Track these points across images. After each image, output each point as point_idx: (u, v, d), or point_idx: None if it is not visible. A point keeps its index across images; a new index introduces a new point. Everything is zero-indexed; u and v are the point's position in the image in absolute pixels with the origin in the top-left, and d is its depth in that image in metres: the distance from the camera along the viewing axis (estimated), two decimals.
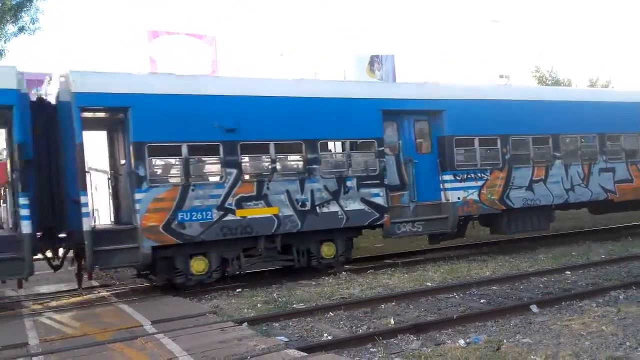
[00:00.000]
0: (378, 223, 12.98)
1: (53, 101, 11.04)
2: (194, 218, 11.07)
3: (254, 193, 11.66)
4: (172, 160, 11.34)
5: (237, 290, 11.74)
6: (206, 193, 11.24)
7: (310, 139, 12.18)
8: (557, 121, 15.20)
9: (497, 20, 40.49)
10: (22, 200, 9.75)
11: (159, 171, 11.22)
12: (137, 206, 10.66)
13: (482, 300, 9.46)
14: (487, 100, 14.68)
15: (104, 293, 11.88)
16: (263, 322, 8.58)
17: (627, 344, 6.39)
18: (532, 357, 6.14)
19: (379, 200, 12.86)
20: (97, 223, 11.52)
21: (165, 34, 21.49)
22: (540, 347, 6.48)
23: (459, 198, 13.81)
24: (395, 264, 13.62)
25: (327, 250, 12.68)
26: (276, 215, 11.80)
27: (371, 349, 6.93)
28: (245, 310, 9.74)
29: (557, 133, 15.26)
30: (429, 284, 11.12)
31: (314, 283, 12.05)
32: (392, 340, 7.25)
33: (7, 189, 10.99)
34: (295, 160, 12.50)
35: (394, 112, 13.28)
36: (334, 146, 13.21)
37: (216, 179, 11.52)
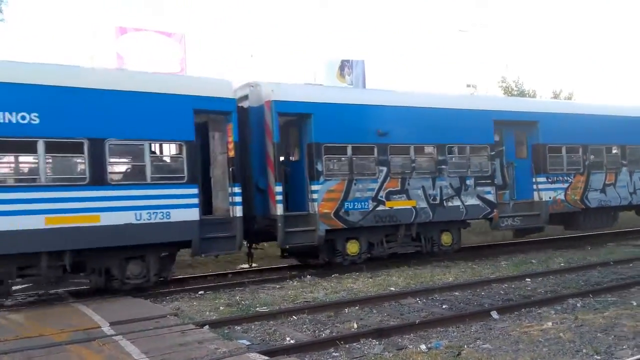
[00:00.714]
0: (489, 217, 15.35)
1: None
2: (355, 207, 13.29)
3: (399, 188, 13.91)
4: (341, 158, 13.40)
5: (200, 292, 11.60)
6: (364, 187, 13.45)
7: (440, 143, 14.53)
8: (624, 133, 17.72)
9: (465, 30, 41.15)
10: (236, 189, 11.95)
11: (332, 167, 13.28)
12: (315, 196, 12.86)
13: (444, 306, 9.55)
14: (572, 114, 17.21)
15: (60, 292, 11.57)
16: (225, 325, 8.48)
17: (584, 351, 6.53)
18: None
19: (491, 197, 15.22)
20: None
21: (133, 30, 21.08)
22: (499, 353, 6.56)
23: (549, 197, 16.20)
24: (360, 268, 13.66)
25: (446, 238, 14.95)
26: (414, 207, 14.09)
27: (333, 354, 6.91)
28: (207, 312, 9.62)
29: (624, 144, 17.83)
30: (393, 288, 11.18)
31: (277, 286, 11.99)
32: (354, 344, 7.25)
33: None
34: (428, 161, 14.64)
35: (501, 122, 15.56)
36: (456, 150, 15.11)
37: (371, 175, 13.61)
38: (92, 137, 10.29)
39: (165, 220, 10.93)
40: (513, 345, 6.89)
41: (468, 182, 14.82)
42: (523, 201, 16.15)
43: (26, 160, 10.37)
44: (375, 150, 13.55)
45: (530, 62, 40.48)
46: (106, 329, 7.86)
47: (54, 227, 9.85)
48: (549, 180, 16.21)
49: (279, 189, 12.38)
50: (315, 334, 7.96)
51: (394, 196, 13.76)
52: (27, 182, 10.00)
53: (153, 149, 11.51)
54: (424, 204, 14.15)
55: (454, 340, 7.23)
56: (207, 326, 8.12)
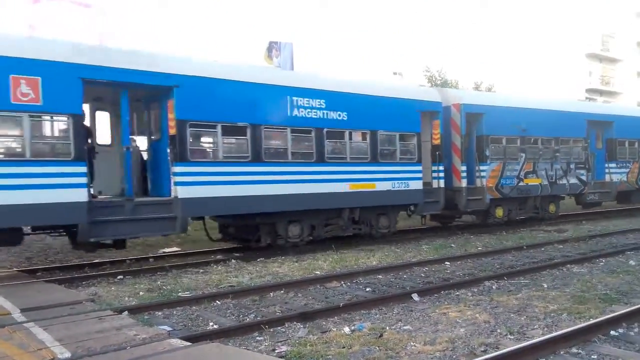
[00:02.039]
0: (582, 192, 20.71)
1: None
2: (507, 183, 18.28)
3: (531, 169, 19.00)
4: (499, 146, 18.19)
5: (118, 277, 11.19)
6: (512, 167, 18.42)
7: (557, 137, 19.80)
8: None
9: (391, 17, 41.73)
10: (440, 168, 16.57)
11: (493, 153, 17.99)
12: (483, 174, 17.56)
13: (367, 289, 9.70)
14: (631, 117, 22.98)
15: None
16: (145, 311, 8.22)
17: (498, 331, 6.82)
18: (412, 343, 6.37)
19: (584, 178, 20.67)
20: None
21: None
22: (419, 334, 6.74)
23: (617, 179, 21.72)
24: (286, 253, 13.65)
25: (552, 207, 20.30)
26: (540, 184, 19.22)
27: (258, 338, 6.85)
28: (126, 298, 9.29)
29: None
30: (318, 272, 11.25)
31: (201, 271, 11.77)
32: (279, 328, 7.22)
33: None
34: (550, 150, 19.60)
35: (590, 121, 20.80)
36: (566, 142, 20.34)
37: (516, 159, 18.54)
38: (402, 131, 15.78)
39: (403, 188, 15.67)
40: (432, 327, 7.10)
41: (571, 166, 20.24)
42: (599, 181, 21.53)
43: (339, 144, 14.65)
44: (519, 141, 18.63)
45: (453, 52, 41.60)
46: (17, 315, 7.41)
47: (354, 191, 14.64)
48: (617, 165, 21.78)
49: (463, 168, 17.08)
50: (240, 319, 7.86)
51: (529, 175, 18.91)
52: (338, 159, 14.48)
53: (400, 139, 15.77)
54: (545, 182, 19.36)
55: (377, 322, 7.36)
56: (126, 312, 7.84)
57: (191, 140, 12.02)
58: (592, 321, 6.74)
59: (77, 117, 10.80)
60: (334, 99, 14.24)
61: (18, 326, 6.80)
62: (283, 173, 13.33)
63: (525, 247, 14.03)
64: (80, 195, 10.64)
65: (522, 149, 18.68)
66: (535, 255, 12.96)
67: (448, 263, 12.10)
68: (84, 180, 10.74)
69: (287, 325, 7.31)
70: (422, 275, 10.89)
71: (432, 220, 19.23)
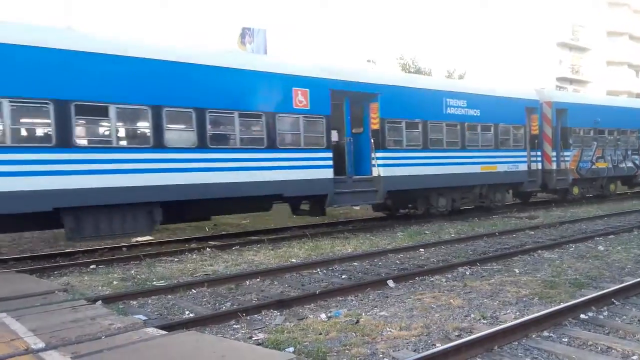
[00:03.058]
0: (635, 174, 25.47)
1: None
2: (583, 166, 22.76)
3: (601, 155, 23.53)
4: (578, 136, 22.48)
5: (91, 266, 11.06)
6: (587, 153, 22.74)
7: (620, 128, 24.44)
8: None
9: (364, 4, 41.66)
10: (539, 153, 20.85)
11: (574, 141, 22.30)
12: (567, 158, 21.79)
13: (343, 276, 9.77)
14: None
15: None
16: (119, 300, 8.14)
17: (472, 315, 6.94)
18: (388, 329, 6.44)
19: (637, 162, 25.49)
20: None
21: None
22: (395, 320, 6.81)
23: None
24: (261, 241, 13.64)
25: (612, 187, 25.08)
26: (607, 167, 23.86)
27: (234, 326, 6.85)
28: (100, 287, 9.19)
29: None
30: (294, 260, 11.27)
31: (176, 260, 11.70)
32: (255, 316, 7.22)
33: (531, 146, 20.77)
34: (613, 138, 24.14)
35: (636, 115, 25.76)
36: (625, 132, 24.92)
37: (590, 146, 22.95)
38: (514, 124, 19.99)
39: (514, 169, 19.79)
40: (408, 312, 7.18)
41: (628, 152, 24.95)
42: None
43: (474, 134, 18.54)
44: (592, 132, 23.15)
45: (425, 40, 41.78)
46: None
47: (483, 171, 18.69)
48: None
49: (553, 153, 21.12)
50: (216, 307, 7.85)
51: (599, 160, 23.40)
52: (473, 147, 18.43)
53: (513, 129, 19.77)
54: (610, 165, 23.90)
55: (353, 309, 7.42)
56: (100, 302, 7.74)
57: (387, 133, 15.94)
58: (562, 305, 6.89)
59: (328, 118, 14.72)
60: (472, 99, 18.38)
61: None
62: (443, 157, 17.49)
63: (497, 234, 14.27)
64: (329, 173, 14.66)
65: (595, 138, 23.30)
66: (507, 242, 13.19)
67: (422, 250, 12.23)
68: (331, 162, 14.69)
69: (263, 313, 7.32)
70: (397, 262, 10.99)
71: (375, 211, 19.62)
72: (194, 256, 12.01)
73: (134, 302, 8.17)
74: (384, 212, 19.14)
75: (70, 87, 10.78)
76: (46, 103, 10.56)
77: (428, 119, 16.97)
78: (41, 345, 5.44)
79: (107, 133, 11.43)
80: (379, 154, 15.66)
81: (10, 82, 10.23)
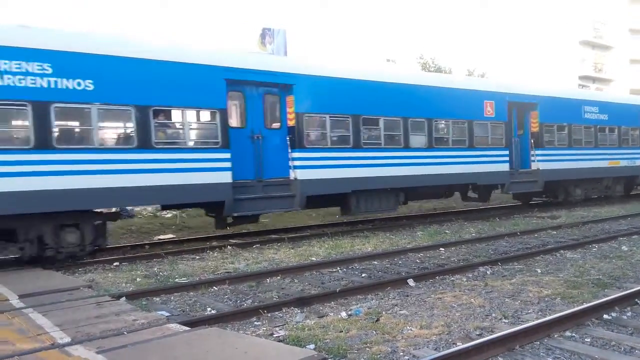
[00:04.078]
0: None
1: None
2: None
3: None
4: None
5: (115, 264, 11.23)
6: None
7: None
8: None
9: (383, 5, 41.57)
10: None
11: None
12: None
13: (363, 275, 9.78)
14: None
15: None
16: (143, 297, 8.27)
17: (493, 315, 6.91)
18: (408, 327, 6.44)
19: None
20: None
21: None
22: (415, 318, 6.82)
23: None
24: (282, 239, 13.71)
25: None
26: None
27: (255, 322, 6.91)
28: (124, 284, 9.33)
29: None
30: (314, 258, 11.31)
31: (197, 257, 11.82)
32: (276, 313, 7.28)
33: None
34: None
35: None
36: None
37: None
38: (632, 126, 23.16)
39: (631, 165, 22.83)
40: (428, 311, 7.18)
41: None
42: None
43: (605, 135, 21.82)
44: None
45: (445, 39, 41.61)
46: (15, 301, 7.42)
47: (610, 166, 21.96)
48: None
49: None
50: (237, 304, 7.92)
51: None
52: (603, 145, 21.70)
53: (631, 130, 23.04)
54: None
55: (373, 307, 7.43)
56: (124, 298, 7.87)
57: (544, 134, 19.59)
58: (585, 305, 6.83)
59: (506, 123, 18.37)
60: (602, 106, 21.62)
61: (17, 312, 6.82)
62: (582, 154, 20.74)
63: (519, 233, 14.14)
64: (506, 167, 18.23)
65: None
66: (528, 241, 13.07)
67: (443, 249, 12.18)
68: (507, 158, 18.34)
69: (284, 311, 7.38)
70: (418, 261, 10.97)
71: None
72: (215, 254, 12.12)
73: (157, 299, 8.29)
74: (520, 199, 22.35)
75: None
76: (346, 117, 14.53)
77: (571, 123, 20.55)
78: (67, 340, 5.55)
79: (377, 138, 15.22)
80: (538, 152, 19.25)
81: None
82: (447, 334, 6.18)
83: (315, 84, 13.92)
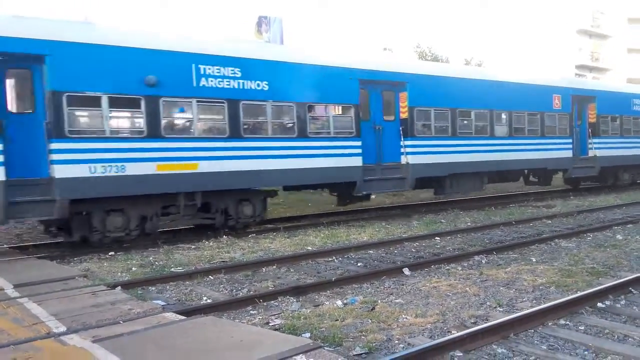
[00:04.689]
0: None
1: None
2: None
3: None
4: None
5: (110, 253, 11.21)
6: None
7: None
8: None
9: None
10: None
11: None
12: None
13: (359, 264, 9.80)
14: None
15: None
16: (138, 286, 8.27)
17: (488, 303, 6.94)
18: (403, 316, 6.47)
19: None
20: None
21: None
22: (411, 307, 6.84)
23: None
24: (277, 229, 13.71)
25: None
26: None
27: (251, 311, 6.93)
28: (119, 274, 9.33)
29: None
30: (310, 248, 11.33)
31: (193, 247, 11.82)
32: (272, 302, 7.29)
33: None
34: None
35: None
36: None
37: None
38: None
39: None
40: (423, 300, 7.20)
41: None
42: None
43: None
44: None
45: (442, 28, 41.47)
46: (10, 291, 7.42)
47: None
48: None
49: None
50: (233, 293, 7.93)
51: None
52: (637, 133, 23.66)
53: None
54: None
55: (369, 296, 7.45)
56: (119, 287, 7.87)
57: (601, 125, 22.02)
58: (579, 294, 6.86)
59: (570, 114, 20.63)
60: None
61: (12, 301, 6.81)
62: (630, 142, 22.84)
63: (514, 223, 14.19)
64: (570, 154, 20.75)
65: None
66: (523, 230, 13.11)
67: (438, 238, 12.21)
68: (571, 146, 20.80)
69: (280, 300, 7.40)
70: (413, 250, 11.00)
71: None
72: (211, 243, 12.12)
73: (153, 288, 8.29)
74: (571, 184, 24.25)
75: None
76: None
77: (622, 114, 22.70)
78: (62, 329, 5.55)
79: (469, 128, 17.39)
80: (595, 140, 21.58)
81: None
82: (442, 322, 6.20)
83: (423, 82, 16.24)
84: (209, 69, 12.30)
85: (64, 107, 10.70)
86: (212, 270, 9.22)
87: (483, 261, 9.68)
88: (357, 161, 14.72)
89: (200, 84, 12.18)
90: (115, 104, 11.27)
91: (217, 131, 12.61)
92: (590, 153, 21.48)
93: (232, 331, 5.30)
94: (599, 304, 6.66)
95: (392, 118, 15.79)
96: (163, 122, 11.77)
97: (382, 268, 9.14)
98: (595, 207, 17.20)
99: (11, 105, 10.76)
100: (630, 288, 7.25)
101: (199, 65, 12.16)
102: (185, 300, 7.62)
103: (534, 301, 6.97)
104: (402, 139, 15.67)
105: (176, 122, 12.28)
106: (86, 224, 11.40)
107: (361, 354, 5.29)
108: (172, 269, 9.58)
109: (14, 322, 5.89)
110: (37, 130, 10.66)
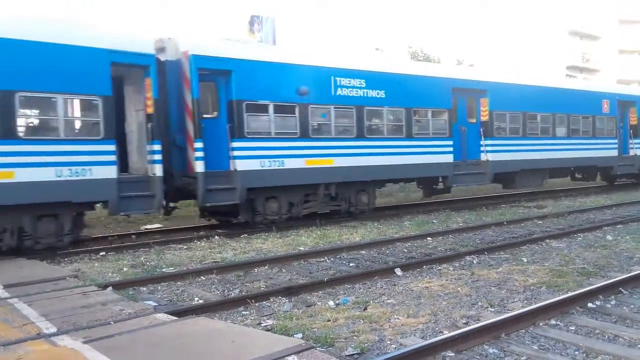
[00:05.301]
0: None
1: None
2: None
3: None
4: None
5: (101, 253, 11.17)
6: None
7: None
8: None
9: None
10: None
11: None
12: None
13: (351, 264, 9.81)
14: None
15: None
16: (130, 287, 8.23)
17: (479, 303, 6.96)
18: (395, 316, 6.48)
19: None
20: None
21: None
22: (402, 307, 6.85)
23: None
24: (270, 229, 13.70)
25: None
26: None
27: (243, 312, 6.92)
28: (110, 274, 9.28)
29: None
30: (302, 248, 11.32)
31: (185, 247, 11.78)
32: (264, 302, 7.28)
33: None
34: None
35: None
36: None
37: None
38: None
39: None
40: (415, 300, 7.22)
41: None
42: None
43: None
44: None
45: (434, 29, 41.50)
46: (0, 291, 7.38)
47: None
48: None
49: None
50: (225, 294, 7.91)
51: None
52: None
53: None
54: None
55: (361, 297, 7.46)
56: (110, 288, 7.84)
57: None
58: (570, 294, 6.90)
59: (615, 117, 23.24)
60: None
61: (2, 302, 6.76)
62: None
63: (505, 223, 14.25)
64: (615, 152, 23.15)
65: None
66: (515, 231, 13.17)
67: (430, 239, 12.25)
68: (616, 146, 23.29)
69: (272, 300, 7.39)
70: (405, 250, 11.02)
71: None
72: (203, 244, 12.09)
73: (144, 289, 8.26)
74: (608, 181, 25.60)
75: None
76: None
77: None
78: (53, 330, 5.52)
79: (535, 129, 19.94)
80: (635, 141, 24.07)
81: None
82: (433, 322, 6.22)
83: (500, 89, 18.60)
84: (343, 80, 14.78)
85: (243, 112, 13.17)
86: (204, 270, 9.20)
87: (474, 261, 9.71)
88: (449, 158, 17.07)
89: (337, 93, 14.67)
90: (277, 110, 13.74)
91: (347, 132, 15.04)
92: (631, 152, 23.79)
93: (224, 332, 5.29)
94: (590, 304, 6.70)
95: (474, 120, 18.19)
96: (310, 125, 14.15)
97: (374, 268, 9.15)
98: (586, 208, 17.31)
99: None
100: (620, 288, 7.30)
101: (336, 78, 14.65)
102: (177, 301, 7.60)
103: (525, 301, 7.00)
104: (483, 139, 18.04)
105: (318, 124, 14.55)
106: (250, 209, 13.60)
107: (353, 354, 5.29)
108: (164, 270, 9.54)
109: (4, 322, 5.85)
110: (220, 132, 13.14)
